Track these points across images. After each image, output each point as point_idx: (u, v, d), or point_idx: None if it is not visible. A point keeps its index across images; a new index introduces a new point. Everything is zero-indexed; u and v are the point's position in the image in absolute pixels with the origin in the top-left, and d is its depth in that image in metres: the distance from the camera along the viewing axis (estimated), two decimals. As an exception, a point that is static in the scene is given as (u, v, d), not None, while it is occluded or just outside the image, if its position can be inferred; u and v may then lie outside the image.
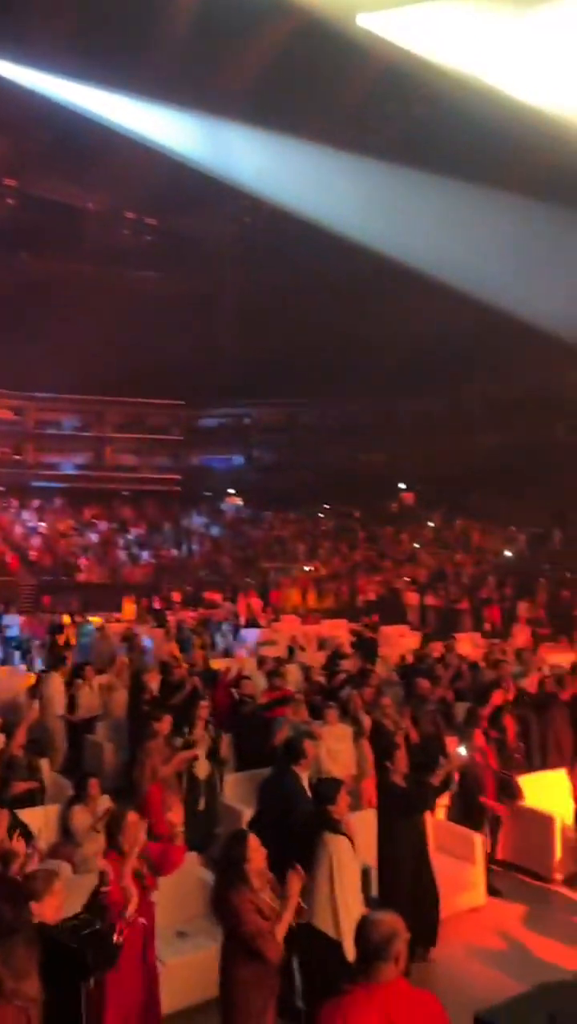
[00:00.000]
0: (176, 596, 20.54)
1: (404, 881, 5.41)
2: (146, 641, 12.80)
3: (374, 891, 5.44)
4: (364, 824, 5.82)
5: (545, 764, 8.02)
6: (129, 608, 19.48)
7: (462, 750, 6.58)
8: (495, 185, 16.23)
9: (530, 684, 9.50)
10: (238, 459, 33.64)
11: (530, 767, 7.85)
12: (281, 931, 3.76)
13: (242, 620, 17.76)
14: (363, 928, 2.87)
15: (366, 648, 12.76)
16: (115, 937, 3.47)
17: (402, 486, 29.21)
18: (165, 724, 6.67)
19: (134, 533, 28.07)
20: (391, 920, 2.87)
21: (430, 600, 19.77)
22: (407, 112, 16.19)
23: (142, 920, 3.95)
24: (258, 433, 33.75)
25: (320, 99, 17.36)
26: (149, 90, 18.52)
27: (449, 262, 17.91)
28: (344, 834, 4.66)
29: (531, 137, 13.62)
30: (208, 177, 20.38)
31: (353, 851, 4.67)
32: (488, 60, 13.10)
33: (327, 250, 21.80)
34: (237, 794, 7.18)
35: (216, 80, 17.41)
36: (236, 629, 16.70)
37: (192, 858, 5.47)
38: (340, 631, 15.51)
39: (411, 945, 5.33)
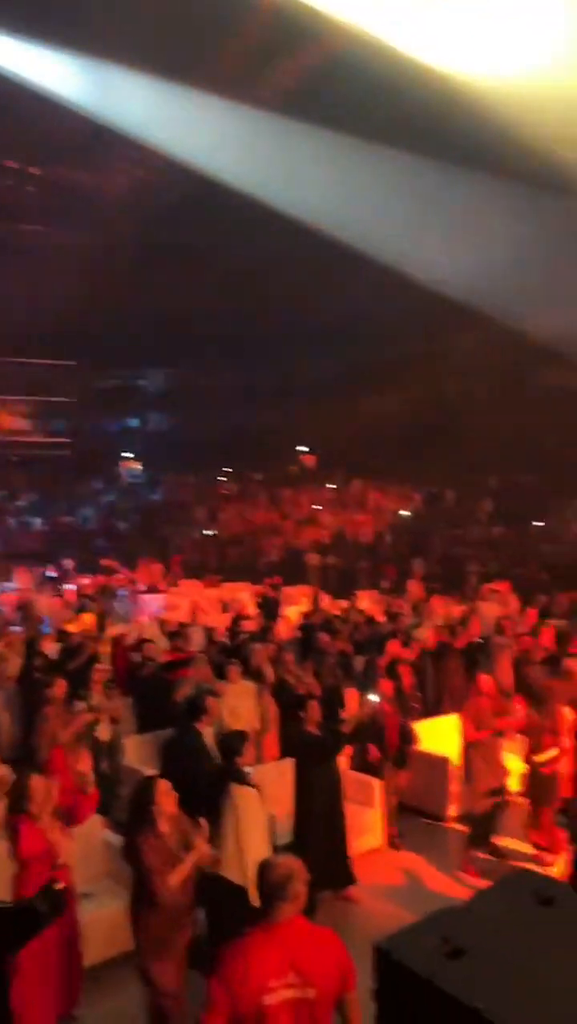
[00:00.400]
0: (71, 563, 20.04)
1: (320, 826, 5.61)
2: (41, 609, 12.47)
3: (282, 839, 5.57)
4: (273, 775, 5.94)
5: (440, 710, 8.37)
6: (23, 577, 18.88)
7: (374, 697, 6.81)
8: (388, 142, 16.22)
9: (425, 635, 9.86)
10: (134, 422, 32.90)
11: (426, 714, 8.18)
12: (176, 877, 3.79)
13: (141, 586, 17.55)
14: (262, 871, 2.93)
15: (269, 608, 12.93)
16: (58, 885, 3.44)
17: (302, 448, 29.41)
18: (59, 688, 6.55)
19: (25, 500, 27.11)
20: (288, 862, 2.94)
21: (331, 560, 20.12)
22: (299, 65, 15.91)
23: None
24: (155, 396, 33.07)
25: (210, 47, 16.82)
26: (26, 28, 17.37)
27: (342, 220, 17.86)
28: (251, 784, 4.72)
29: (422, 95, 13.65)
30: (95, 125, 19.42)
31: (260, 801, 4.74)
32: (382, 15, 12.99)
33: (223, 207, 21.34)
34: (139, 756, 7.15)
35: (102, 19, 16.54)
36: (135, 595, 16.49)
37: (96, 820, 5.42)
38: (243, 593, 15.58)
39: (331, 884, 5.63)
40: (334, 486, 26.83)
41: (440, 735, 7.61)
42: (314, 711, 5.86)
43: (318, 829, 5.57)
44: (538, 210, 15.93)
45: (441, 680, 8.80)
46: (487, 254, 17.51)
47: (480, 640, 9.54)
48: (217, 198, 20.47)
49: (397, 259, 18.57)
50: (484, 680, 6.68)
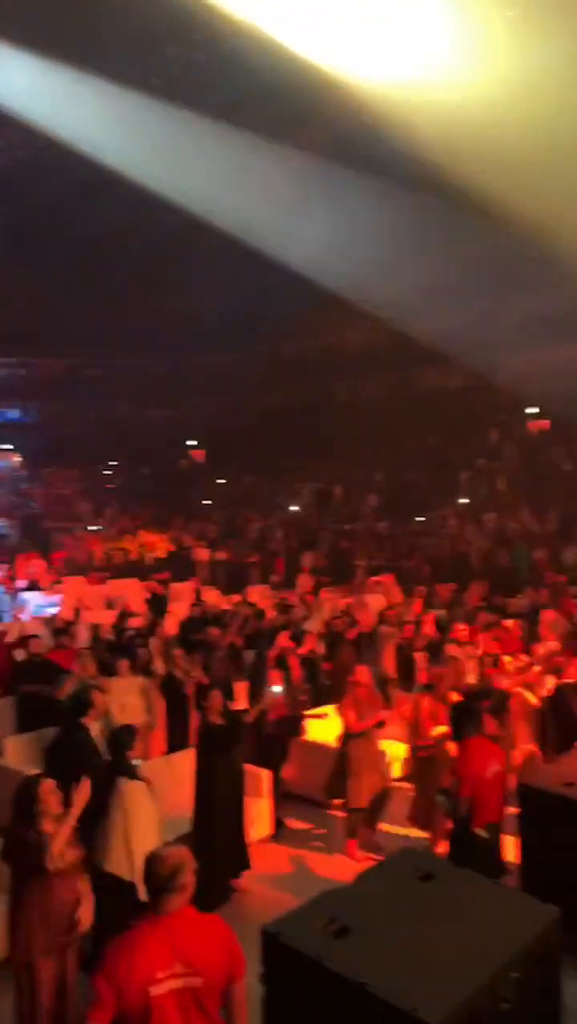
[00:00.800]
0: None
1: (226, 814, 5.64)
2: None
3: (171, 834, 5.53)
4: (163, 770, 5.89)
5: (332, 699, 8.52)
6: None
7: (277, 688, 6.86)
8: (276, 139, 16.35)
9: (314, 627, 10.02)
10: (13, 413, 31.57)
11: (317, 703, 8.32)
12: (59, 842, 3.72)
13: (22, 583, 16.90)
14: (150, 863, 2.90)
15: (157, 604, 12.77)
16: None
17: (191, 443, 29.17)
18: None
19: None
20: (177, 853, 2.93)
21: (220, 555, 20.06)
22: (187, 55, 15.75)
23: None
24: (37, 385, 31.82)
25: (98, 33, 16.38)
26: None
27: (235, 213, 17.82)
28: (140, 779, 4.66)
29: (312, 93, 13.85)
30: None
31: (149, 795, 4.69)
32: (273, 12, 13.07)
33: (111, 195, 20.81)
34: (21, 756, 6.90)
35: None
36: (15, 592, 15.88)
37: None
38: (129, 590, 15.29)
39: (230, 871, 5.66)
40: (223, 480, 26.79)
41: (329, 723, 7.75)
42: (216, 700, 5.88)
43: (224, 818, 5.63)
44: (426, 214, 16.44)
45: (333, 669, 8.95)
46: (378, 255, 17.92)
47: (367, 631, 9.78)
48: (106, 184, 19.97)
49: (290, 256, 18.73)
50: (362, 671, 6.84)
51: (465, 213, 15.17)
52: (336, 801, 6.84)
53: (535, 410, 23.70)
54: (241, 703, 7.17)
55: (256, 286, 22.89)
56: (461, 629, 9.18)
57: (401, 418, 22.79)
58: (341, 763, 6.55)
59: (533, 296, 18.69)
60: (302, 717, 7.80)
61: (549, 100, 12.35)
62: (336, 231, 17.39)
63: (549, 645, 8.37)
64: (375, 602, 11.97)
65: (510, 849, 5.40)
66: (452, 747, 5.46)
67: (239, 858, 5.84)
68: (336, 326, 23.49)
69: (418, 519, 21.08)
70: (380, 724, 6.73)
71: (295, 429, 23.90)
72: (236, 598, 13.33)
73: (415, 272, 18.41)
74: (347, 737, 6.59)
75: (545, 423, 23.37)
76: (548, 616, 9.70)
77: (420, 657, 8.68)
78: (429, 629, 9.65)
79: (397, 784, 7.14)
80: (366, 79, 13.19)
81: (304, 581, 15.60)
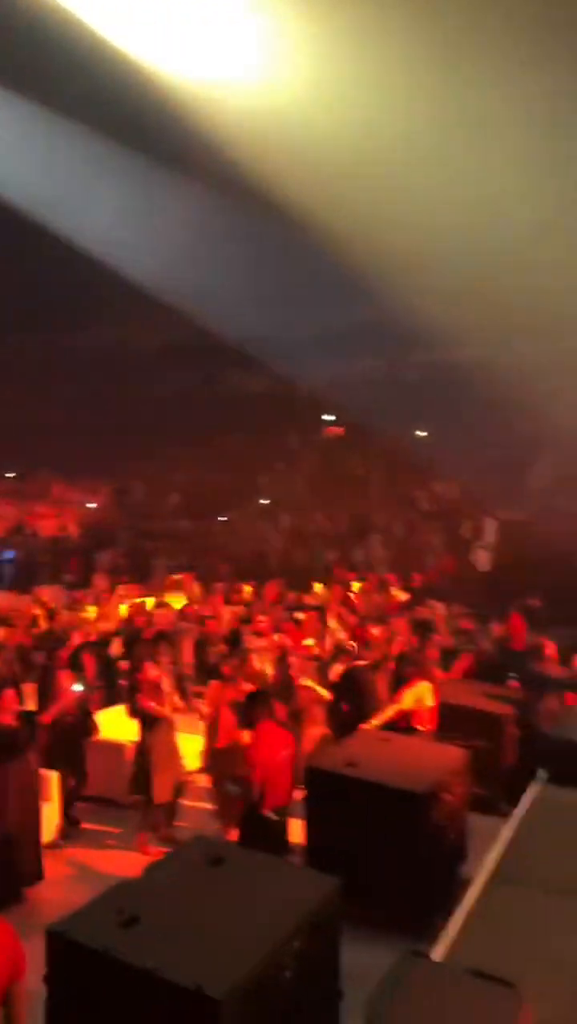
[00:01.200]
0: None
1: (20, 820, 5.44)
2: None
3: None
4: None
5: (128, 698, 8.38)
6: None
7: (78, 687, 6.62)
8: (100, 130, 15.79)
9: (110, 626, 9.82)
10: None
11: (112, 702, 8.15)
12: None
13: None
14: None
15: None
16: None
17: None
18: None
19: None
20: None
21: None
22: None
23: None
24: None
25: None
26: None
27: (36, 196, 16.92)
28: None
29: (125, 85, 13.55)
30: None
31: None
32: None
33: None
34: None
35: None
36: None
37: None
38: None
39: (23, 879, 5.39)
40: (13, 475, 25.39)
41: (120, 723, 7.62)
42: (9, 701, 5.59)
43: (17, 824, 5.36)
44: (237, 215, 16.61)
45: (132, 668, 8.81)
46: (182, 250, 17.84)
47: (166, 630, 9.74)
48: None
49: (93, 245, 18.13)
50: (149, 668, 6.81)
51: (277, 220, 15.53)
52: (136, 798, 6.75)
53: (331, 417, 24.91)
54: (30, 704, 6.88)
55: (57, 274, 21.88)
56: (259, 623, 9.43)
57: (203, 418, 22.92)
58: (142, 758, 6.49)
59: (334, 309, 19.56)
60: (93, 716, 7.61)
61: (356, 112, 12.98)
62: (139, 220, 17.09)
63: (338, 636, 8.84)
64: (174, 601, 11.95)
65: (298, 830, 5.64)
66: (245, 735, 5.60)
67: (32, 863, 5.60)
68: (136, 318, 23.05)
69: (219, 519, 21.34)
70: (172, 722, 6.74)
71: (92, 424, 23.18)
72: (26, 598, 12.72)
73: (224, 273, 18.58)
74: (147, 732, 6.53)
75: (340, 430, 24.64)
76: (337, 610, 10.23)
77: (218, 651, 8.80)
78: (227, 624, 9.82)
79: (193, 777, 7.18)
80: (177, 73, 13.14)
81: (100, 580, 15.21)
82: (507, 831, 4.06)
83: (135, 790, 6.57)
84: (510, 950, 2.99)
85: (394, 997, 2.49)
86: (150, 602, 11.93)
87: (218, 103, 13.40)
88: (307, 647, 8.35)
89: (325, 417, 24.75)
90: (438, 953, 2.98)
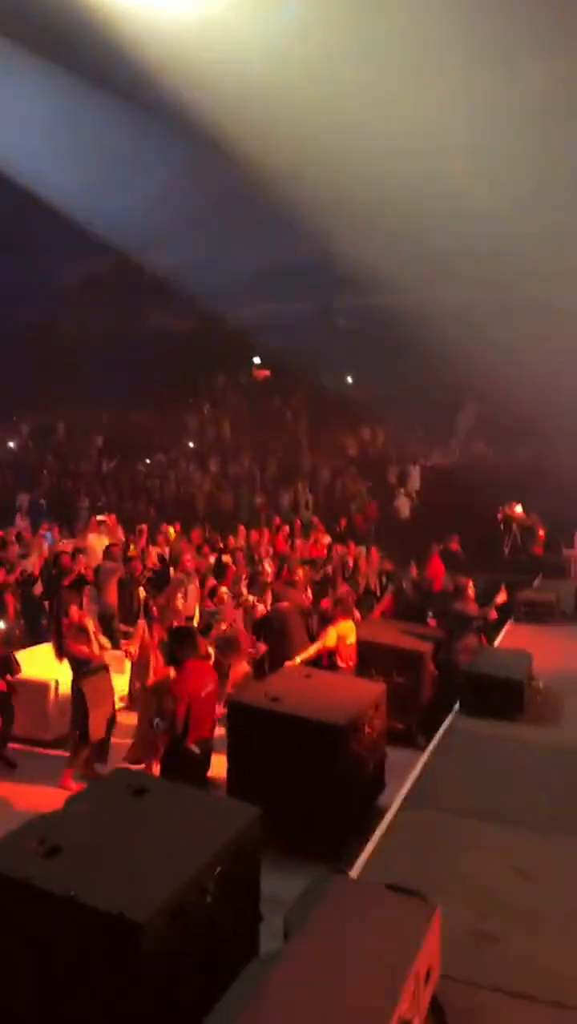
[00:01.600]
0: None
1: None
2: None
3: None
4: None
5: (51, 637, 8.27)
6: None
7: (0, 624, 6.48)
8: (22, 44, 14.70)
9: (32, 566, 9.63)
10: None
11: (36, 641, 8.03)
12: None
13: None
14: None
15: None
16: None
17: None
18: None
19: None
20: None
21: None
22: None
23: None
24: None
25: None
26: None
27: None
28: None
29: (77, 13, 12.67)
30: None
31: None
32: None
33: None
34: None
35: None
36: None
37: None
38: None
39: None
40: None
41: (44, 660, 7.54)
42: None
43: None
44: (170, 144, 15.90)
45: (52, 608, 8.67)
46: (108, 178, 17.02)
47: (90, 570, 9.61)
48: None
49: (9, 168, 17.08)
50: (73, 612, 6.74)
51: (209, 150, 14.94)
52: (49, 736, 6.72)
53: (258, 360, 24.63)
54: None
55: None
56: (185, 562, 9.40)
57: (129, 357, 22.29)
58: (78, 698, 6.46)
59: (265, 246, 19.12)
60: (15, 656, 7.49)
61: (296, 48, 12.52)
62: (62, 141, 16.16)
63: (265, 578, 8.91)
64: (98, 542, 11.76)
65: (221, 765, 5.74)
66: (171, 671, 5.61)
67: None
68: (58, 251, 22.01)
69: (145, 460, 20.99)
70: (103, 665, 6.71)
71: (14, 361, 22.24)
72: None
73: (151, 206, 17.83)
74: (77, 674, 6.49)
75: (267, 372, 24.41)
76: (263, 553, 10.28)
77: (143, 591, 8.75)
78: (152, 563, 9.75)
79: (120, 715, 7.19)
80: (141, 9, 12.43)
81: (21, 521, 14.85)
82: (422, 759, 4.23)
83: (74, 727, 6.55)
84: (422, 867, 3.14)
85: (311, 909, 2.58)
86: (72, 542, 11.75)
87: (151, 23, 12.73)
88: (233, 588, 8.39)
89: (253, 360, 24.47)
90: (355, 872, 3.10)
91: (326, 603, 8.01)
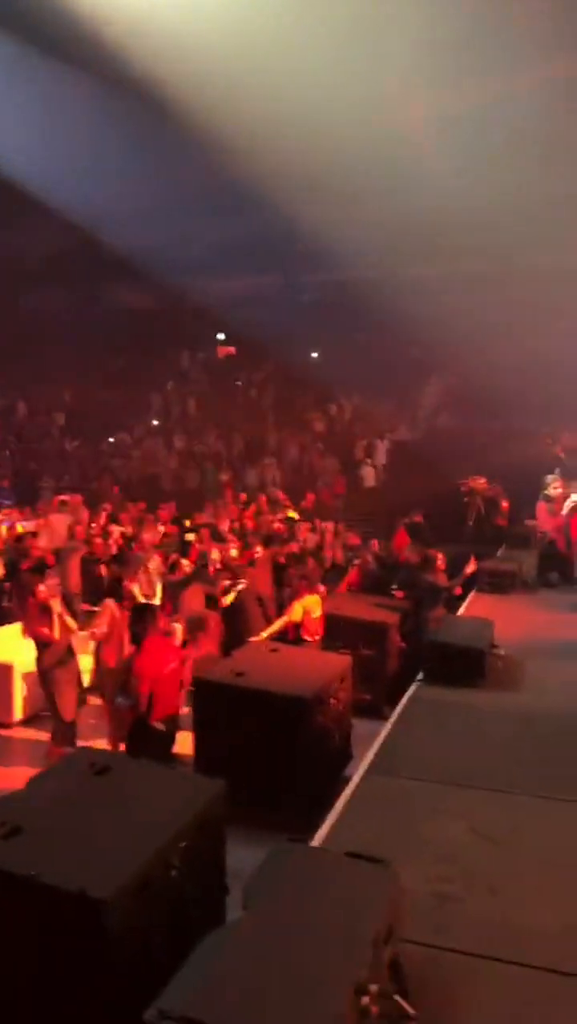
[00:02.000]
0: None
1: None
2: None
3: None
4: None
5: (14, 619, 8.18)
6: None
7: None
8: None
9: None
10: None
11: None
12: None
13: None
14: None
15: None
16: None
17: None
18: None
19: None
20: None
21: None
22: None
23: None
24: None
25: None
26: None
27: None
28: None
29: None
30: None
31: None
32: None
33: None
34: None
35: None
36: None
37: None
38: None
39: None
40: None
41: (8, 642, 7.45)
42: None
43: None
44: (127, 120, 15.52)
45: (14, 590, 8.58)
46: (70, 155, 16.59)
47: (53, 550, 9.49)
48: None
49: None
50: (40, 592, 6.65)
51: (171, 125, 14.63)
52: (16, 718, 6.65)
53: (222, 336, 24.37)
54: None
55: None
56: (144, 539, 9.32)
57: (91, 335, 21.91)
58: (46, 681, 6.39)
59: (227, 221, 18.85)
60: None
61: (253, 20, 12.28)
62: (26, 118, 15.69)
63: (227, 555, 8.87)
64: (61, 521, 11.61)
65: (187, 742, 5.73)
66: (132, 649, 5.57)
67: None
68: (19, 228, 21.49)
69: (108, 439, 20.75)
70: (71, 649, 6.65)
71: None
72: None
73: (113, 182, 17.44)
74: (43, 656, 6.42)
75: (231, 349, 24.18)
76: (226, 528, 10.23)
77: (106, 569, 8.66)
78: (115, 542, 9.66)
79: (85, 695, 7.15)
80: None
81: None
82: (386, 728, 4.26)
83: (16, 712, 6.50)
84: (383, 833, 3.16)
85: (270, 878, 2.59)
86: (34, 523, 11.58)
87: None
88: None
89: (217, 336, 24.20)
90: (316, 840, 3.11)
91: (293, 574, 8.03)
